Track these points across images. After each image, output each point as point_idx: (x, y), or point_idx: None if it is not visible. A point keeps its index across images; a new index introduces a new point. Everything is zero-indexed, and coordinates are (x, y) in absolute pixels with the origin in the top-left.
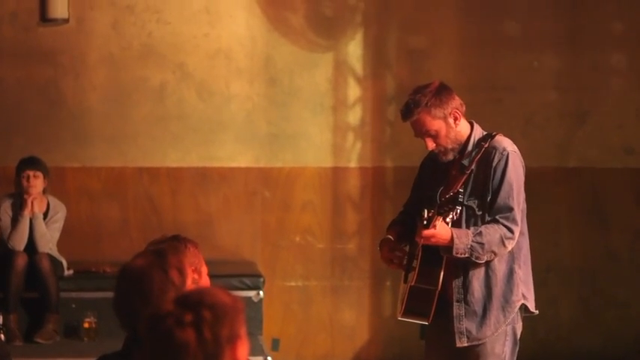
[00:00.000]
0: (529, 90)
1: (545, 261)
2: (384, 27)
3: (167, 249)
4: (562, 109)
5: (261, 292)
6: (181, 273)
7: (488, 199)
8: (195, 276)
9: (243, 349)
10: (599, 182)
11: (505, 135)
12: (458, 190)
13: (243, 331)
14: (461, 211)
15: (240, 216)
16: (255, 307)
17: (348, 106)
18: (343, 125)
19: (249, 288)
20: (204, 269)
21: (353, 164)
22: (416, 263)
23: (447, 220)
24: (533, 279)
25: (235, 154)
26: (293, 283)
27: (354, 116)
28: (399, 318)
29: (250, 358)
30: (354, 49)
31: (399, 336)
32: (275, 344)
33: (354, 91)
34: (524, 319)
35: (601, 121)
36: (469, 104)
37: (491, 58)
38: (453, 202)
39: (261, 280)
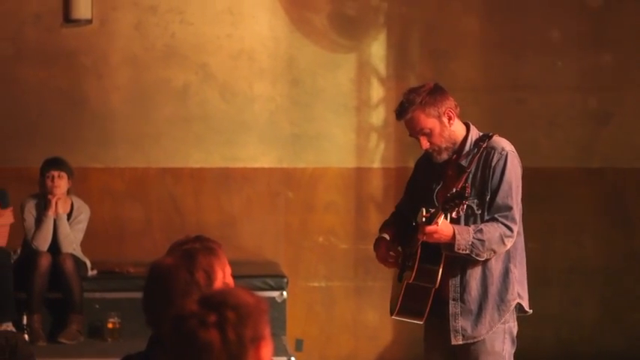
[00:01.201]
0: (552, 90)
1: (568, 262)
2: (407, 27)
3: (198, 250)
4: (585, 110)
5: (284, 293)
6: (209, 275)
7: (488, 198)
8: (226, 279)
9: (267, 349)
10: (623, 183)
11: (528, 136)
12: (463, 186)
13: (266, 331)
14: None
15: (263, 217)
16: (278, 307)
17: (372, 106)
18: (366, 126)
19: (273, 288)
20: (228, 270)
21: (376, 165)
22: (413, 262)
23: (453, 215)
24: (556, 279)
25: (258, 155)
26: (316, 284)
27: (378, 117)
28: (393, 317)
29: (274, 358)
30: (377, 50)
31: (422, 337)
32: (299, 345)
33: (377, 91)
34: (537, 320)
35: (624, 122)
36: (492, 104)
37: (515, 58)
38: (460, 197)
39: (285, 280)
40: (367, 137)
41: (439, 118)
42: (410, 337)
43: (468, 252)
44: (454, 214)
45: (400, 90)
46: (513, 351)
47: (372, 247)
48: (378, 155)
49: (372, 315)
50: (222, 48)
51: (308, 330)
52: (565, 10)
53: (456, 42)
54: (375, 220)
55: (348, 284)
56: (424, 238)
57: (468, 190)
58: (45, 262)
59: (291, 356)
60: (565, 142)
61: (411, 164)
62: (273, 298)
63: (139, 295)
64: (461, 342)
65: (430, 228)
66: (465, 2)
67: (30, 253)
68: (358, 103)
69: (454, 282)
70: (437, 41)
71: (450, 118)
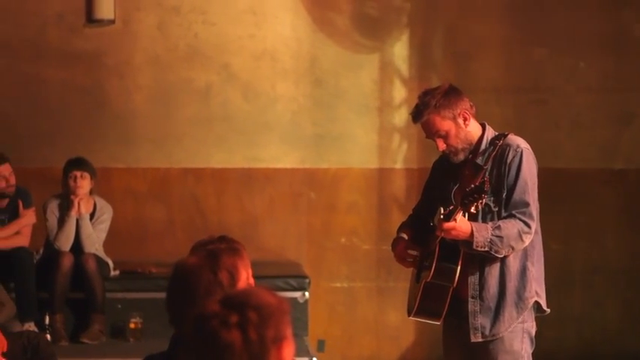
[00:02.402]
0: (575, 91)
1: (591, 263)
2: (429, 28)
3: (223, 250)
4: (608, 111)
5: (306, 293)
6: (232, 276)
7: (504, 195)
8: (250, 280)
9: (288, 350)
10: None
11: (551, 136)
12: (482, 180)
13: (288, 332)
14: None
15: (286, 217)
16: (300, 308)
17: (394, 107)
18: (389, 126)
19: (295, 289)
20: (250, 271)
21: (399, 165)
22: (431, 261)
23: (472, 210)
24: (579, 280)
25: (280, 155)
26: (338, 285)
27: (400, 117)
28: (411, 317)
29: (296, 359)
30: (400, 51)
31: None
32: (321, 345)
33: (399, 92)
34: (559, 320)
35: None
36: (515, 105)
37: (537, 59)
38: (479, 191)
39: (307, 281)
40: (390, 138)
41: (454, 119)
42: (432, 338)
43: (487, 249)
44: (473, 209)
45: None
46: (532, 351)
47: None
48: (400, 156)
49: (394, 315)
50: (245, 48)
51: (330, 330)
52: (588, 10)
53: (479, 43)
54: (397, 221)
55: (370, 285)
56: (442, 234)
57: (487, 185)
58: (67, 262)
59: (313, 357)
60: (587, 143)
61: None
62: (295, 299)
63: (161, 295)
64: (480, 339)
65: (448, 224)
66: (488, 3)
67: (52, 253)
68: (381, 104)
69: (473, 280)
70: (459, 42)
71: (465, 119)
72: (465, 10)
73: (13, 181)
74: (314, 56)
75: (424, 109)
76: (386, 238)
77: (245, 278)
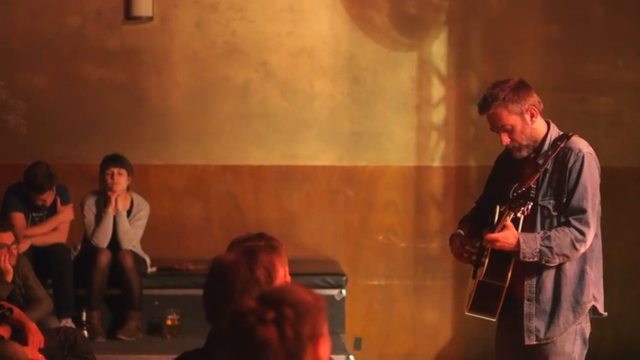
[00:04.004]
0: (614, 90)
1: (629, 262)
2: (468, 26)
3: (261, 247)
4: None
5: (343, 291)
6: (269, 273)
7: (564, 200)
8: (288, 278)
9: (324, 347)
10: None
11: (588, 135)
12: (530, 186)
13: (325, 329)
14: (536, 211)
15: (323, 214)
16: (337, 305)
17: (432, 105)
18: (427, 124)
19: (332, 286)
20: (287, 268)
21: (436, 163)
22: (485, 259)
23: (518, 215)
24: (617, 279)
25: (318, 153)
26: (375, 282)
27: (438, 115)
28: (466, 313)
29: (333, 356)
30: (438, 49)
31: (481, 336)
32: (357, 343)
33: (437, 90)
34: (597, 320)
35: None
36: (553, 104)
37: (576, 57)
38: (525, 197)
39: (344, 278)
40: (427, 136)
41: (521, 115)
42: (468, 336)
43: (535, 259)
44: (519, 214)
45: (461, 89)
46: (585, 351)
47: (431, 245)
48: (438, 154)
49: (431, 313)
50: (283, 46)
51: (367, 328)
52: (627, 9)
53: (517, 41)
54: (434, 219)
55: (408, 283)
56: (487, 244)
57: (534, 192)
58: (105, 258)
59: (349, 354)
60: (626, 141)
61: (472, 163)
62: (333, 296)
63: (198, 292)
64: (535, 342)
65: (490, 236)
66: (526, 1)
67: (90, 250)
68: (419, 102)
69: (529, 282)
70: (498, 40)
71: (532, 116)
72: (503, 8)
73: (49, 201)
74: (352, 54)
75: (492, 102)
76: (423, 236)
77: (282, 275)
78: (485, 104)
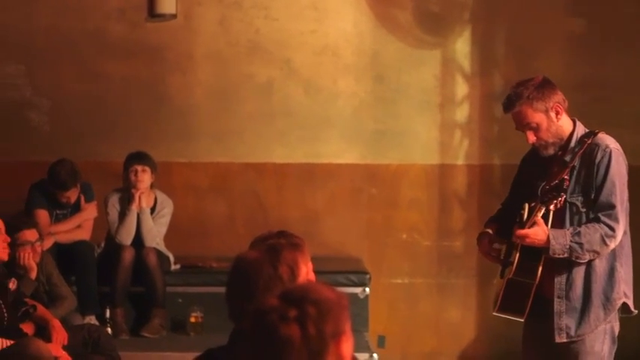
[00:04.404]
0: (637, 88)
1: None
2: (492, 24)
3: (283, 245)
4: None
5: (367, 289)
6: (292, 271)
7: (592, 197)
8: (309, 276)
9: (347, 345)
10: None
11: (613, 134)
12: (562, 178)
13: (347, 327)
14: (565, 208)
15: (347, 213)
16: (361, 303)
17: (456, 103)
18: (450, 122)
19: (355, 284)
20: (310, 266)
21: (460, 162)
22: (514, 257)
23: (551, 208)
24: None
25: (341, 151)
26: (399, 281)
27: (462, 114)
28: (494, 313)
29: (356, 354)
30: (462, 47)
31: (506, 334)
32: (381, 341)
33: (461, 88)
34: (629, 320)
35: None
36: (577, 102)
37: (600, 55)
38: (557, 189)
39: (367, 276)
40: (451, 134)
41: (546, 112)
42: (492, 335)
43: (566, 255)
44: (552, 207)
45: (485, 87)
46: (614, 350)
47: (455, 243)
48: (461, 152)
49: (454, 312)
50: (307, 44)
51: (390, 326)
52: None
53: (541, 39)
54: (458, 217)
55: (431, 281)
56: (517, 241)
57: (567, 183)
58: (128, 256)
59: (373, 352)
60: None
61: (495, 161)
62: (356, 295)
63: (221, 289)
64: (565, 340)
65: (520, 232)
66: None
67: (113, 247)
68: (442, 100)
69: (559, 279)
70: (522, 38)
71: (557, 113)
72: (527, 6)
73: (73, 199)
74: (375, 52)
75: (516, 100)
76: (447, 235)
77: (305, 273)
78: (510, 103)
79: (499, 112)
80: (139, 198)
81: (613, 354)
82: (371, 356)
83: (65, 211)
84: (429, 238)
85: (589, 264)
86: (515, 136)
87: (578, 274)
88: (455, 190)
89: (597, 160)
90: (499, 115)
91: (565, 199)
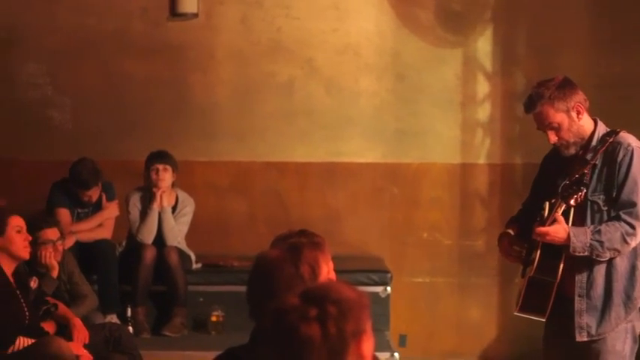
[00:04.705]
0: None
1: None
2: (513, 23)
3: (304, 244)
4: None
5: (388, 288)
6: (313, 270)
7: (613, 195)
8: (330, 275)
9: (368, 344)
10: None
11: (635, 133)
12: (583, 173)
13: (368, 326)
14: (586, 206)
15: (368, 212)
16: (382, 302)
17: (477, 102)
18: (472, 122)
19: (377, 284)
20: (331, 265)
21: (482, 161)
22: (535, 255)
23: (571, 203)
24: None
25: (363, 150)
26: (420, 280)
27: (483, 113)
28: (516, 314)
29: (377, 353)
30: (483, 46)
31: (527, 334)
32: (402, 340)
33: (482, 87)
34: None
35: None
36: (598, 101)
37: (622, 55)
38: (577, 184)
39: (389, 276)
40: (473, 133)
41: (568, 112)
42: (514, 334)
43: (586, 254)
44: (572, 202)
45: (506, 86)
46: (635, 349)
47: (476, 243)
48: (483, 151)
49: (475, 311)
50: (328, 43)
51: (411, 326)
52: None
53: (563, 38)
54: (479, 216)
55: (452, 280)
56: (537, 238)
57: (587, 178)
58: (150, 255)
59: (394, 351)
60: None
61: (517, 160)
62: (377, 294)
63: (242, 288)
64: (586, 339)
65: (541, 229)
66: None
67: (135, 246)
68: (464, 99)
69: (580, 278)
70: (543, 37)
71: (578, 113)
72: (549, 5)
73: (95, 197)
74: (397, 51)
75: (537, 100)
76: (468, 234)
77: (326, 272)
78: (531, 103)
79: (520, 111)
80: (161, 197)
81: (634, 353)
82: (392, 355)
83: (87, 209)
84: (450, 238)
85: (610, 262)
86: (536, 135)
87: (599, 272)
88: (476, 190)
89: (619, 159)
90: (521, 114)
91: (586, 194)
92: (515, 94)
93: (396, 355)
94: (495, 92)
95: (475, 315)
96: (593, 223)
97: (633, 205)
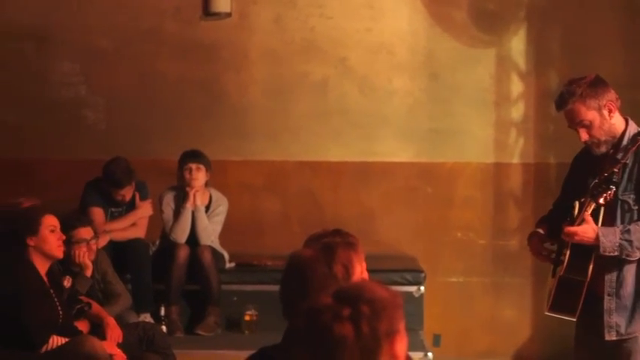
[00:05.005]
0: None
1: None
2: (547, 22)
3: (338, 244)
4: None
5: (422, 288)
6: (347, 269)
7: None
8: (365, 274)
9: (401, 344)
10: None
11: None
12: (612, 171)
13: (401, 326)
14: (616, 205)
15: (402, 211)
16: (416, 302)
17: (511, 101)
18: (506, 121)
19: (410, 283)
20: (364, 265)
21: (515, 160)
22: (565, 255)
23: (601, 201)
24: None
25: (396, 150)
26: (454, 279)
27: (517, 112)
28: (546, 313)
29: (411, 353)
30: (517, 45)
31: (561, 333)
32: (436, 340)
33: (516, 86)
34: None
35: None
36: (632, 101)
37: None
38: (607, 182)
39: (422, 275)
40: (506, 132)
41: (599, 110)
42: (547, 334)
43: (616, 253)
44: (602, 201)
45: (540, 85)
46: None
47: (510, 242)
48: (517, 150)
49: (509, 311)
50: (362, 42)
51: (445, 325)
52: None
53: (597, 37)
54: (513, 216)
55: (486, 280)
56: (566, 238)
57: (618, 175)
58: (183, 254)
59: (428, 351)
60: None
61: (551, 160)
62: (411, 293)
63: (276, 288)
64: (615, 338)
65: (569, 229)
66: None
67: (168, 245)
68: (497, 98)
69: (610, 277)
70: (578, 36)
71: (610, 111)
72: (583, 4)
73: (128, 197)
74: (430, 50)
75: (569, 98)
76: (502, 234)
77: (359, 272)
78: (563, 100)
79: (554, 111)
80: (194, 196)
81: None
82: (425, 355)
83: (120, 209)
84: (484, 237)
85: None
86: (570, 134)
87: (629, 272)
88: (510, 189)
89: None
90: (554, 114)
91: (615, 192)
92: (549, 93)
93: (430, 355)
94: (529, 92)
95: (509, 315)
96: (623, 222)
97: None
